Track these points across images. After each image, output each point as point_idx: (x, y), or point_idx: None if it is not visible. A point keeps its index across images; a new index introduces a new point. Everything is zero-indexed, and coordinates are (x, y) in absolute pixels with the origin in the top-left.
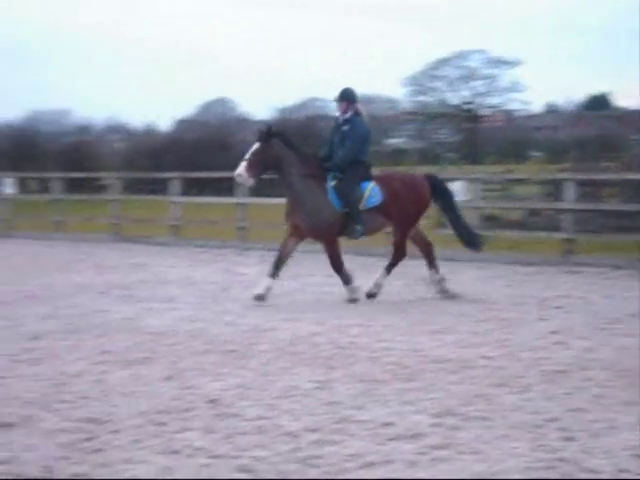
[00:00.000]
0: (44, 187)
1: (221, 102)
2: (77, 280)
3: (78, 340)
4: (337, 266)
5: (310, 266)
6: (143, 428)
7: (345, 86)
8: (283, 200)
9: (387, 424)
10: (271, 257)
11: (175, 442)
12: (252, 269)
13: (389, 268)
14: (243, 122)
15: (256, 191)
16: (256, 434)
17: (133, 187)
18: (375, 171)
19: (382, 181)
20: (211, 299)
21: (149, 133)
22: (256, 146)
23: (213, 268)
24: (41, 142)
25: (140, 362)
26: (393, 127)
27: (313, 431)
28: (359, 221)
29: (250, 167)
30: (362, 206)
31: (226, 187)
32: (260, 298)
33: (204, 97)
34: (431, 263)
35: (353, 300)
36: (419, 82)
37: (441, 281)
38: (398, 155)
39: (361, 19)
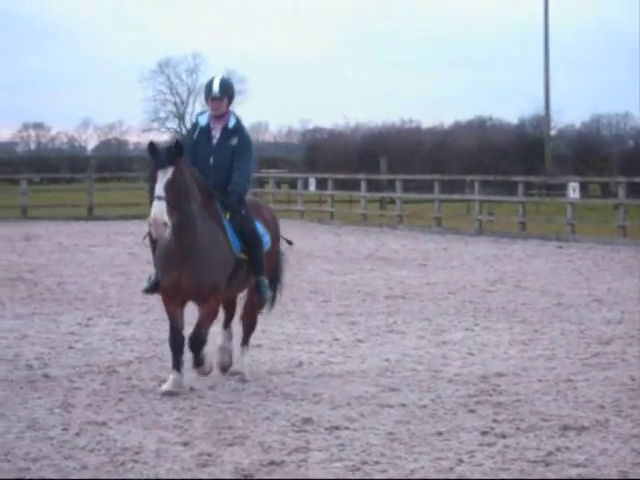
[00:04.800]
0: (607, 191)
1: None
2: None
3: None
4: (203, 340)
5: None
6: None
7: (220, 74)
8: None
9: None
10: None
11: None
12: None
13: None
14: None
15: None
16: None
17: None
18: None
19: (256, 214)
20: None
21: None
22: (168, 173)
23: None
24: (603, 146)
25: None
26: None
27: None
28: (263, 272)
29: (171, 208)
30: None
31: None
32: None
33: None
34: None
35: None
36: None
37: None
38: None
39: None
